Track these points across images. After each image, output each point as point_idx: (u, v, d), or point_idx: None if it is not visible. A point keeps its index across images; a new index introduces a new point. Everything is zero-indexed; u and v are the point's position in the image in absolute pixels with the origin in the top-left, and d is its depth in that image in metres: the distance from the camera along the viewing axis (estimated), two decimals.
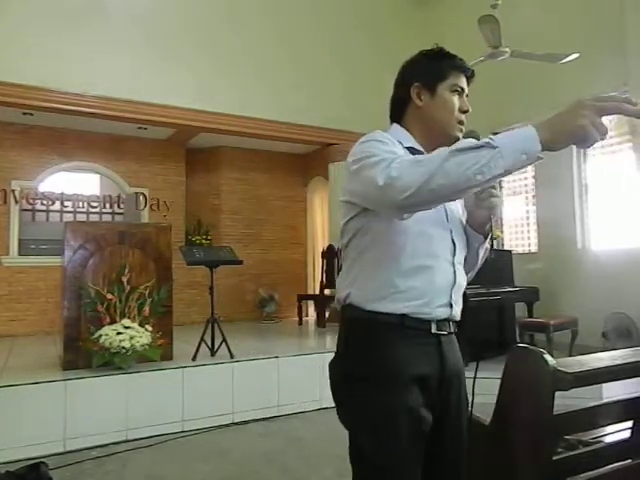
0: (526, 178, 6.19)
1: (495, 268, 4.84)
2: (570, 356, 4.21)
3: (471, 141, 0.98)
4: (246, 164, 8.11)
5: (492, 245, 1.32)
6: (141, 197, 7.28)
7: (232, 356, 4.01)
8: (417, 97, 1.24)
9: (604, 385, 3.21)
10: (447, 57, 1.25)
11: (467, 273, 1.30)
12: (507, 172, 0.97)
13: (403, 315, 1.13)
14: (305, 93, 6.35)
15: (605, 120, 0.93)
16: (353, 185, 1.15)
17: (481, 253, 1.30)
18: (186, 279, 6.71)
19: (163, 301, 3.96)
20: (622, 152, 5.28)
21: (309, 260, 8.44)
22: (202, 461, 3.12)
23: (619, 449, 1.22)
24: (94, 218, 7.02)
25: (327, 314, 6.64)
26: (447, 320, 1.19)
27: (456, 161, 0.95)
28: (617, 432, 1.31)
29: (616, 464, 1.18)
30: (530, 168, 5.94)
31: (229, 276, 7.07)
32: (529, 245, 6.26)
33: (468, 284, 1.30)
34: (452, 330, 1.21)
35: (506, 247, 6.35)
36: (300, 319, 6.99)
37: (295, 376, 4.13)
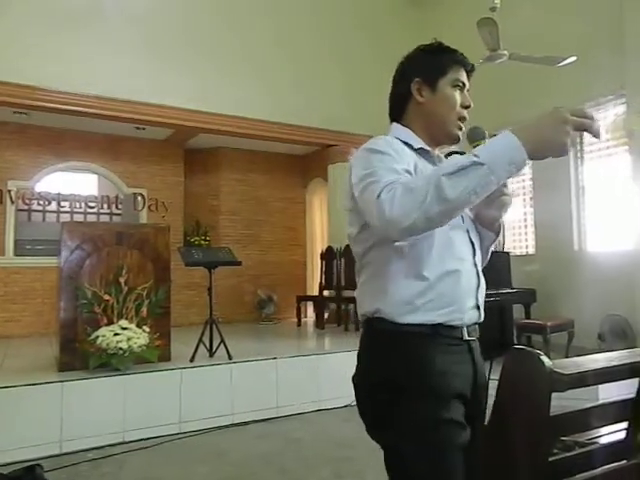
0: (524, 180, 6.21)
1: (493, 270, 4.84)
2: (566, 357, 4.21)
3: (458, 160, 0.98)
4: (245, 165, 8.11)
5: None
6: (139, 198, 7.27)
7: (230, 357, 4.00)
8: (418, 93, 1.21)
9: (600, 386, 3.21)
10: (447, 51, 1.23)
11: None
12: (499, 184, 0.98)
13: (437, 324, 1.11)
14: (304, 94, 6.36)
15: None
16: (359, 202, 1.11)
17: (491, 250, 1.31)
18: (184, 280, 6.70)
19: (161, 302, 3.96)
20: (618, 155, 5.31)
21: (308, 261, 8.44)
22: (200, 462, 3.12)
23: (614, 450, 1.23)
24: (92, 218, 7.00)
25: (326, 315, 6.64)
26: (475, 324, 1.18)
27: (449, 185, 0.95)
28: (612, 433, 1.32)
29: (611, 465, 1.19)
30: (528, 171, 5.96)
31: (228, 277, 7.06)
32: (527, 247, 6.28)
33: None
34: (478, 334, 1.20)
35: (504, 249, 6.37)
36: (299, 320, 6.98)
37: (294, 377, 4.12)
